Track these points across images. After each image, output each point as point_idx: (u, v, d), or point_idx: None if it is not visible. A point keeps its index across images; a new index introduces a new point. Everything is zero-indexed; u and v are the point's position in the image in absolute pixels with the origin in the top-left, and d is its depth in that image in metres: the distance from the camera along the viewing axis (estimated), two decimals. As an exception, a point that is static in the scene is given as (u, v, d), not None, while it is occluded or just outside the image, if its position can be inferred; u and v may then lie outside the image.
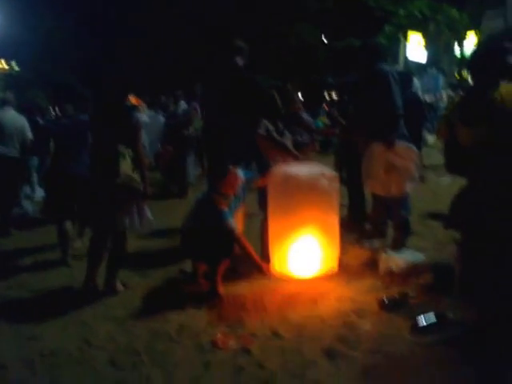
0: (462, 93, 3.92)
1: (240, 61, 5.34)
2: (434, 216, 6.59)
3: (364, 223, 6.14)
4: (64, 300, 4.73)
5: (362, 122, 5.50)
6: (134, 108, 4.82)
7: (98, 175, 4.78)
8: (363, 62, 5.50)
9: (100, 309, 4.51)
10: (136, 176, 4.68)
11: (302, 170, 4.98)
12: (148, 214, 4.87)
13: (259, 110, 5.27)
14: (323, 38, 28.53)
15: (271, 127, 5.34)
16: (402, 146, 5.16)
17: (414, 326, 3.76)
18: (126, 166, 4.64)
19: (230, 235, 4.49)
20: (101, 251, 4.85)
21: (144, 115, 10.26)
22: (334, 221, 4.97)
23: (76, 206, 5.62)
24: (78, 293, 4.81)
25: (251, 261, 4.66)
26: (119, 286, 4.84)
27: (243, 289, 4.70)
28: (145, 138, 6.82)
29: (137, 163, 4.71)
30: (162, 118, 11.20)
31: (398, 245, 5.26)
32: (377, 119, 5.19)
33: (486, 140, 3.25)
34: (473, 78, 3.67)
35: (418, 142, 7.52)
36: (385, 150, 5.15)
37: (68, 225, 5.80)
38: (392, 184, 5.20)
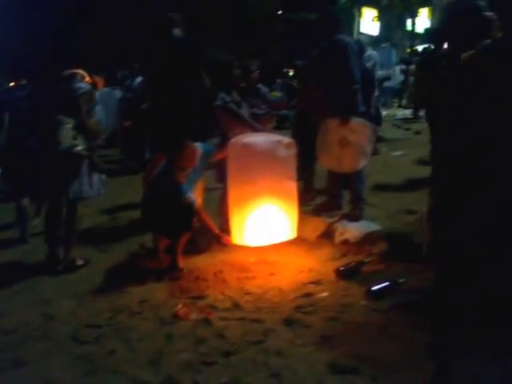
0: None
1: (177, 32, 5.18)
2: (387, 187, 6.79)
3: (317, 196, 6.26)
4: (24, 277, 4.70)
5: (320, 95, 5.51)
6: (73, 78, 4.79)
7: (39, 145, 4.78)
8: (322, 31, 5.44)
9: (61, 284, 4.51)
10: (80, 143, 4.68)
11: (259, 138, 5.00)
12: (98, 183, 4.88)
13: (207, 78, 5.19)
14: (278, 12, 28.37)
15: (228, 98, 5.32)
16: (356, 121, 5.22)
17: (369, 292, 3.88)
18: (66, 134, 4.62)
19: (188, 209, 4.51)
20: (55, 224, 4.83)
21: (97, 92, 10.04)
22: (293, 188, 4.98)
23: (31, 181, 5.56)
24: (38, 269, 4.79)
25: (211, 233, 4.71)
26: (79, 261, 4.84)
27: (203, 261, 4.76)
28: (101, 114, 6.72)
29: (81, 131, 4.70)
30: (117, 93, 10.99)
31: (354, 218, 5.39)
32: (334, 93, 5.19)
33: None
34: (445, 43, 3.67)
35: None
36: (340, 124, 5.22)
37: (26, 202, 5.74)
38: (345, 159, 5.29)
